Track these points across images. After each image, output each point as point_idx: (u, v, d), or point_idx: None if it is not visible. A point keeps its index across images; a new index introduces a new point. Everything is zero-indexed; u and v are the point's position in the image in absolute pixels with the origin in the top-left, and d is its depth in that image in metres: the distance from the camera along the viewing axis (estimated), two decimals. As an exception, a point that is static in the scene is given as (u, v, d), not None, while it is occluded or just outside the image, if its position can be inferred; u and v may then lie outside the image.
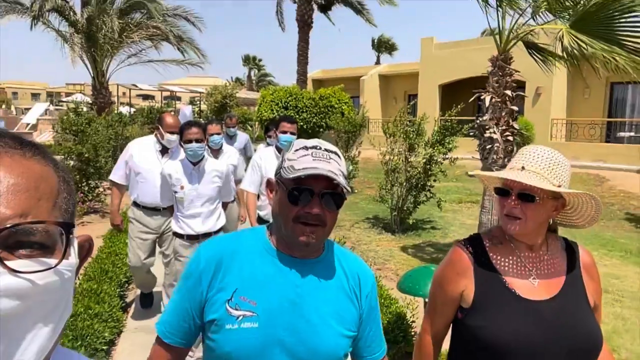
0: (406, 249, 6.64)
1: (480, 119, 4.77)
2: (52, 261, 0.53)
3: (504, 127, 4.63)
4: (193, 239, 3.41)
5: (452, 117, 6.84)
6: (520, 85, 13.67)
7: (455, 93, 15.48)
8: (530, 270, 1.38)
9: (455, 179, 11.63)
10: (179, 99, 35.43)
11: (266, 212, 3.85)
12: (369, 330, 1.29)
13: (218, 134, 4.74)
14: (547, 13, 4.72)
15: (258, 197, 3.96)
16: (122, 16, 16.79)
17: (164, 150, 3.91)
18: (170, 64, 18.95)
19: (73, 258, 0.56)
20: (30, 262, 0.51)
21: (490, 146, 4.65)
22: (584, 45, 4.38)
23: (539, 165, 1.33)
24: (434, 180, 7.19)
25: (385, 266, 5.86)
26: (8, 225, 0.50)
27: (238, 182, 4.51)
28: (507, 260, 1.39)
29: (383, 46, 39.97)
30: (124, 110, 22.38)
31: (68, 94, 37.77)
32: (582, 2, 4.39)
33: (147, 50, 17.98)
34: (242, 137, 6.51)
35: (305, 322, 1.16)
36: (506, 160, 4.66)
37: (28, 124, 24.57)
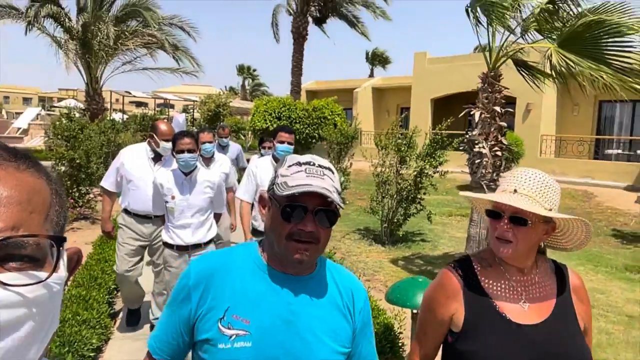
0: (396, 260, 6.67)
1: (470, 134, 4.86)
2: (42, 274, 0.53)
3: (492, 142, 4.73)
4: (182, 249, 3.39)
5: (443, 131, 6.94)
6: (511, 102, 13.89)
7: (448, 107, 15.65)
8: (520, 294, 1.37)
9: (445, 192, 11.73)
10: (172, 106, 35.40)
11: (260, 223, 3.85)
12: (362, 346, 1.29)
13: (210, 142, 4.77)
14: (536, 32, 4.85)
15: (252, 206, 3.96)
16: (118, 24, 16.85)
17: (156, 158, 3.89)
18: (165, 72, 19.03)
19: (62, 271, 0.56)
20: (20, 275, 0.51)
21: (479, 161, 4.73)
22: (571, 64, 4.50)
23: (531, 189, 1.33)
24: (424, 193, 7.26)
25: (375, 277, 5.89)
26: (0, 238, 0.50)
27: (229, 190, 4.53)
28: (497, 283, 1.38)
29: (377, 59, 40.42)
30: (117, 117, 22.34)
31: (60, 99, 37.61)
32: (570, 22, 4.52)
33: (141, 58, 18.06)
34: (234, 147, 6.53)
35: (299, 340, 1.14)
36: (495, 174, 4.75)
37: (19, 129, 24.40)
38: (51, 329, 0.56)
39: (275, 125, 14.85)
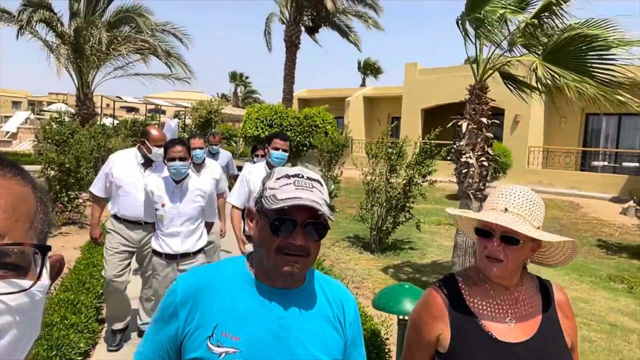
0: (384, 268, 6.73)
1: (457, 144, 4.96)
2: (25, 283, 0.52)
3: (479, 153, 4.83)
4: (171, 258, 3.34)
5: (432, 141, 7.05)
6: (499, 113, 14.11)
7: (438, 117, 15.83)
8: (506, 312, 1.37)
9: (434, 202, 11.84)
10: (163, 112, 35.32)
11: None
12: (354, 357, 1.28)
13: (201, 148, 4.81)
14: (522, 47, 4.98)
15: (243, 212, 3.96)
16: (111, 29, 16.84)
17: (147, 164, 3.84)
18: (157, 77, 19.00)
19: (46, 279, 0.56)
20: (3, 283, 0.50)
21: (466, 170, 4.83)
22: (556, 76, 4.62)
23: (520, 207, 1.33)
24: (412, 202, 7.35)
25: (363, 285, 5.94)
26: None
27: (220, 196, 4.55)
28: (482, 302, 1.38)
29: (369, 69, 40.75)
30: (107, 122, 22.25)
31: (50, 104, 37.36)
32: (555, 37, 4.65)
33: (133, 64, 18.05)
34: (224, 154, 6.57)
35: (291, 354, 1.13)
36: (481, 184, 4.85)
37: (8, 132, 24.19)
38: (33, 337, 0.55)
39: (267, 133, 14.91)
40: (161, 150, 3.66)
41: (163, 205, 3.30)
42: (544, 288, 1.45)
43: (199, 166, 4.78)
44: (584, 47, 4.43)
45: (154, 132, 3.79)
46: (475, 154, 4.79)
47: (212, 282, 1.17)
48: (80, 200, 8.32)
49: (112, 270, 3.77)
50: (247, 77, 50.09)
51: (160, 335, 1.17)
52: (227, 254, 5.40)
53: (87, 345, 3.50)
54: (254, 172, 3.86)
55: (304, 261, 1.12)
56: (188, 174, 3.40)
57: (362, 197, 7.91)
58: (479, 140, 4.85)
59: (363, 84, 37.18)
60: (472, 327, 1.34)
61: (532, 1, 4.82)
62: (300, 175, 1.15)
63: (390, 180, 7.36)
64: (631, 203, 11.50)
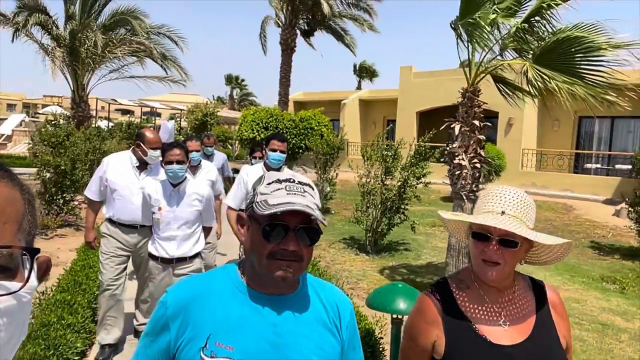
0: (379, 269, 6.78)
1: (450, 146, 5.03)
2: (13, 285, 0.52)
3: (472, 155, 4.90)
4: (167, 262, 3.31)
5: (427, 144, 7.12)
6: (493, 116, 14.21)
7: (433, 120, 15.91)
8: (499, 314, 1.36)
9: (429, 204, 11.91)
10: (159, 115, 35.31)
11: None
12: (351, 359, 1.28)
13: (197, 150, 4.83)
14: (514, 51, 5.07)
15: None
16: (106, 32, 16.86)
17: (141, 167, 3.77)
18: (152, 80, 19.05)
19: (34, 281, 0.56)
20: None
21: (459, 172, 4.90)
22: (546, 78, 4.70)
23: (516, 209, 1.32)
24: (407, 204, 7.41)
25: (358, 285, 5.99)
26: None
27: (216, 197, 4.58)
28: (476, 305, 1.37)
29: (364, 72, 40.92)
30: (102, 124, 22.23)
31: (45, 106, 37.26)
32: (545, 41, 4.73)
33: (129, 66, 18.08)
34: (219, 156, 6.58)
35: None
36: (474, 185, 4.92)
37: (3, 135, 24.11)
38: (21, 338, 0.55)
39: (262, 136, 14.96)
40: (157, 153, 3.65)
41: (160, 209, 3.27)
42: (537, 288, 1.44)
43: (194, 168, 4.81)
44: (572, 50, 4.52)
45: (149, 134, 3.73)
46: (468, 156, 4.87)
47: (203, 292, 1.15)
48: (76, 203, 8.34)
49: (109, 274, 3.70)
50: (243, 80, 50.17)
51: (152, 349, 1.15)
52: (221, 257, 5.44)
53: (84, 346, 3.53)
54: (251, 174, 3.86)
55: (297, 266, 1.11)
56: (186, 177, 3.37)
57: (357, 199, 7.96)
58: (471, 142, 4.92)
59: (359, 87, 37.31)
60: (467, 331, 1.33)
61: (523, 6, 4.91)
62: (292, 180, 1.13)
63: (385, 182, 7.42)
64: (624, 205, 11.62)
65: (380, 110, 22.02)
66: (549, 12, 4.62)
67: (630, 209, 8.71)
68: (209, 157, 6.29)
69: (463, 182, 4.89)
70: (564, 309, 1.45)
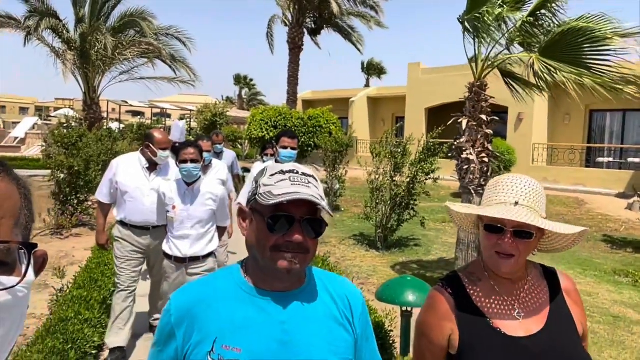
0: (389, 265, 6.82)
1: (458, 141, 5.05)
2: (11, 280, 0.52)
3: (479, 149, 4.92)
4: (180, 261, 3.31)
5: (436, 140, 7.13)
6: (503, 111, 14.12)
7: (441, 116, 15.88)
8: (513, 305, 1.32)
9: (439, 199, 11.90)
10: (169, 116, 35.60)
11: None
12: (366, 351, 1.23)
13: (208, 151, 4.90)
14: (520, 45, 5.07)
15: None
16: (116, 34, 17.07)
17: (151, 167, 3.75)
18: (162, 81, 19.23)
19: (31, 276, 0.56)
20: None
21: (467, 167, 4.92)
22: (553, 70, 4.69)
23: (530, 199, 1.28)
24: (416, 200, 7.43)
25: (368, 281, 6.03)
26: None
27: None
28: (489, 298, 1.33)
29: (373, 69, 40.83)
30: (114, 126, 22.49)
31: (57, 109, 37.81)
32: (551, 33, 4.73)
33: (138, 68, 18.29)
34: (228, 154, 6.64)
35: None
36: (482, 180, 4.93)
37: (16, 138, 24.51)
38: (17, 334, 0.55)
39: (271, 134, 15.05)
40: (166, 153, 3.67)
41: (174, 208, 3.29)
42: (549, 276, 1.41)
43: (205, 167, 4.87)
44: (579, 41, 4.51)
45: (158, 135, 3.71)
46: (476, 150, 4.88)
47: (206, 295, 1.12)
48: (90, 203, 8.48)
49: (125, 278, 3.68)
50: (251, 80, 50.31)
51: (161, 358, 1.13)
52: (232, 255, 5.52)
53: (101, 340, 3.62)
54: None
55: (303, 257, 1.07)
56: (200, 176, 3.38)
57: (367, 196, 8.00)
58: (479, 136, 4.94)
59: (367, 85, 37.25)
60: (481, 325, 1.30)
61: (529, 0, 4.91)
62: (295, 171, 1.11)
63: (394, 179, 7.44)
64: (636, 198, 11.52)
65: (388, 107, 22.00)
66: (554, 4, 4.62)
67: (642, 202, 8.63)
68: (218, 154, 6.36)
69: (471, 177, 4.91)
70: (579, 296, 1.41)
